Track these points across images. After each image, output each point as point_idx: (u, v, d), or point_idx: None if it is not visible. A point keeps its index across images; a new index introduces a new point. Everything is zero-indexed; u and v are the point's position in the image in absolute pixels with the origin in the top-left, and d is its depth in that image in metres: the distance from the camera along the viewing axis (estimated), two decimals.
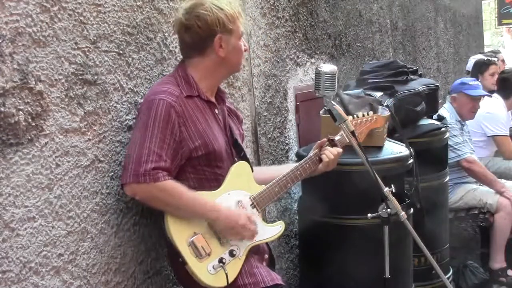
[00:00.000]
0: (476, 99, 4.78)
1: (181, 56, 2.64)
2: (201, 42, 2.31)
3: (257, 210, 2.38)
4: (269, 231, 2.43)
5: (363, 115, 2.77)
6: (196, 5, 2.29)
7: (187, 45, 2.35)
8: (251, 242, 2.35)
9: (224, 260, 2.25)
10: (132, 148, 2.20)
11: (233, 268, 2.28)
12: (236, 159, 2.42)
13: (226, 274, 2.23)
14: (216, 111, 2.39)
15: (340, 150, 2.58)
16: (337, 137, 2.60)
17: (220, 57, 2.32)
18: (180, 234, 2.22)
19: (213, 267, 2.23)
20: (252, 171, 2.47)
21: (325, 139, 2.61)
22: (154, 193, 2.16)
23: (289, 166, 2.56)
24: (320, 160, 2.55)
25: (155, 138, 2.16)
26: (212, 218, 2.25)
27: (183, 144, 2.23)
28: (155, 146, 2.15)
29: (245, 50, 2.41)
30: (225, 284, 2.23)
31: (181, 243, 2.21)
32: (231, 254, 2.28)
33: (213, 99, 2.39)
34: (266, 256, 2.49)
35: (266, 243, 2.51)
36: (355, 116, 2.74)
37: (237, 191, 2.35)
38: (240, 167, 2.40)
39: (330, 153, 2.55)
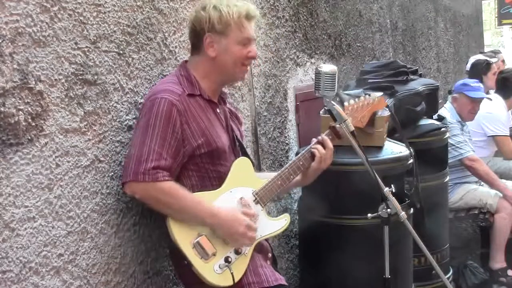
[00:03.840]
0: (476, 101, 4.78)
1: (181, 56, 2.65)
2: (196, 40, 2.35)
3: (261, 205, 2.37)
4: (274, 225, 2.42)
5: (364, 98, 2.69)
6: (201, 4, 2.34)
7: (190, 43, 2.40)
8: (257, 237, 2.33)
9: (230, 259, 2.25)
10: (133, 147, 2.20)
11: (240, 266, 2.28)
12: (237, 157, 2.42)
13: (232, 273, 2.23)
14: (218, 110, 2.39)
15: (331, 145, 2.48)
16: (337, 124, 2.47)
17: (210, 57, 2.31)
18: (184, 236, 2.22)
19: (219, 266, 2.23)
20: (254, 165, 2.46)
21: (323, 136, 2.53)
22: (152, 193, 2.16)
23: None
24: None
25: (156, 137, 2.16)
26: (211, 224, 2.24)
27: (186, 142, 2.23)
28: (156, 144, 2.16)
29: (251, 57, 2.35)
30: (231, 283, 2.23)
31: (185, 245, 2.21)
32: (237, 252, 2.27)
33: (214, 100, 2.39)
34: (270, 255, 2.49)
35: (269, 243, 2.51)
36: (356, 99, 2.68)
37: (239, 188, 2.34)
38: (240, 163, 2.39)
39: (322, 149, 2.48)
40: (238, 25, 2.29)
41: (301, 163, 2.47)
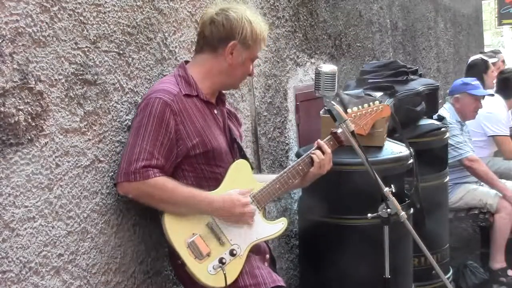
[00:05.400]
0: (479, 99, 4.80)
1: (181, 56, 2.65)
2: (218, 40, 2.32)
3: (258, 207, 2.37)
4: (271, 229, 2.41)
5: (368, 105, 2.67)
6: (232, 7, 2.35)
7: (205, 39, 2.36)
8: (253, 240, 2.34)
9: (224, 260, 2.25)
10: (126, 147, 2.21)
11: (234, 268, 2.27)
12: (235, 158, 2.41)
13: (225, 274, 2.22)
14: (215, 111, 2.39)
15: (329, 150, 2.49)
16: (339, 130, 2.49)
17: (226, 63, 2.33)
18: (178, 236, 2.22)
19: (213, 267, 2.23)
20: (252, 169, 2.46)
21: (319, 141, 2.53)
22: (145, 190, 2.17)
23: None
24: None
25: (148, 136, 2.17)
26: (206, 211, 2.26)
27: (180, 142, 2.23)
28: (147, 144, 2.16)
29: (250, 75, 2.45)
30: (223, 285, 2.22)
31: (180, 244, 2.21)
32: (232, 253, 2.27)
33: (212, 101, 2.39)
34: (268, 256, 2.49)
35: (266, 244, 2.51)
36: (359, 106, 2.66)
37: (237, 190, 2.33)
38: (239, 165, 2.39)
39: (321, 154, 2.48)
40: (260, 44, 2.37)
41: (300, 167, 2.47)
